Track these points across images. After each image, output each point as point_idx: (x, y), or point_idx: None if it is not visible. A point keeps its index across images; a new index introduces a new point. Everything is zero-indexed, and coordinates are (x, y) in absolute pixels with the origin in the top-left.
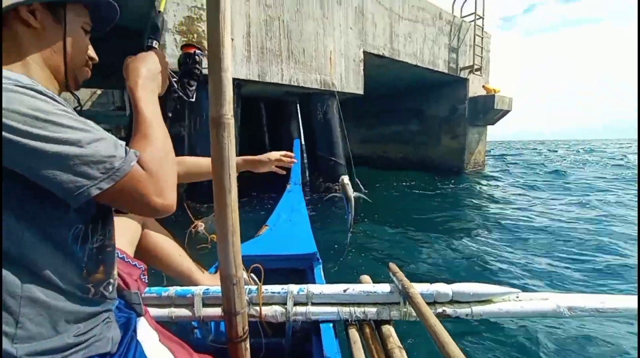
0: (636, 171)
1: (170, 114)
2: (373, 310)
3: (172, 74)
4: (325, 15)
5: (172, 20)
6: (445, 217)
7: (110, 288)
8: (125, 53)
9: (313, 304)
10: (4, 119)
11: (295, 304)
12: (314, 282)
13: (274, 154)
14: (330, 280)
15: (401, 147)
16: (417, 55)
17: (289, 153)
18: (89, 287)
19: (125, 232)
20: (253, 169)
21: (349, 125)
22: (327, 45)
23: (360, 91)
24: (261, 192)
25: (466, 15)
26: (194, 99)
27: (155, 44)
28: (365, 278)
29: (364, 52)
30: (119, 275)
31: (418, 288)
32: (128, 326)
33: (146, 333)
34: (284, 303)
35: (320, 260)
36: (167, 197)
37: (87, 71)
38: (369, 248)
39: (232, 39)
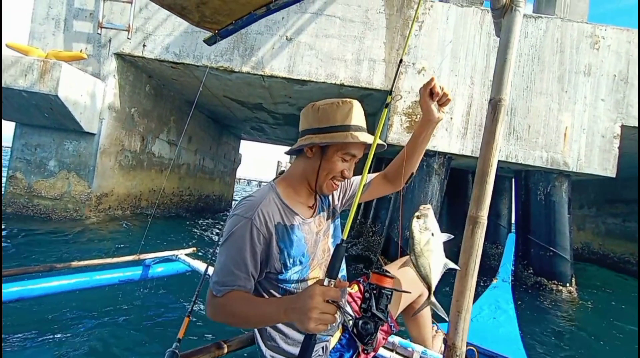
0: None
1: None
2: None
3: (347, 313)
4: (564, 89)
5: (402, 104)
6: None
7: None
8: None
9: None
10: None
11: None
12: None
13: (423, 96)
14: None
15: None
16: None
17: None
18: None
19: (399, 297)
20: (430, 122)
21: (585, 211)
22: (561, 120)
23: (609, 173)
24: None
25: None
26: (374, 352)
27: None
28: None
29: (623, 126)
30: None
31: None
32: None
33: None
34: None
35: None
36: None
37: (331, 184)
38: None
39: (451, 118)
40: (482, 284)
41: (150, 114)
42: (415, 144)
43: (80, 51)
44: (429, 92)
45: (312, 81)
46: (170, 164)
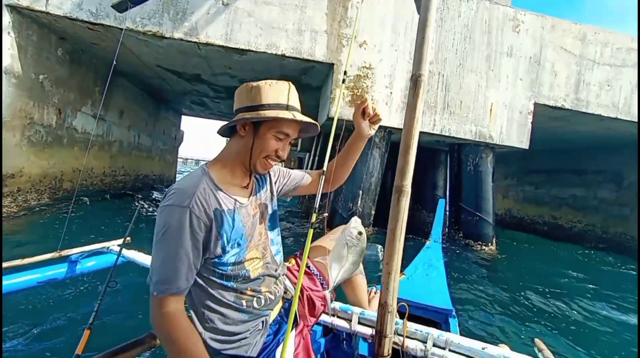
0: None
1: None
2: None
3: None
4: (491, 68)
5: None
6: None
7: (262, 301)
8: (309, 103)
9: (451, 351)
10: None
11: (434, 346)
12: None
13: (355, 113)
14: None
15: (582, 216)
16: (618, 106)
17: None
18: (242, 302)
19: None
20: (361, 137)
21: (509, 181)
22: (488, 97)
23: (524, 145)
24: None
25: None
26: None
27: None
28: (504, 346)
29: (536, 104)
30: (303, 288)
31: None
32: (277, 334)
33: (289, 344)
34: (424, 342)
35: (456, 317)
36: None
37: (265, 163)
38: (508, 313)
39: (391, 92)
40: (421, 240)
41: (67, 83)
42: (347, 154)
43: None
44: (362, 111)
45: (252, 51)
46: (96, 141)
